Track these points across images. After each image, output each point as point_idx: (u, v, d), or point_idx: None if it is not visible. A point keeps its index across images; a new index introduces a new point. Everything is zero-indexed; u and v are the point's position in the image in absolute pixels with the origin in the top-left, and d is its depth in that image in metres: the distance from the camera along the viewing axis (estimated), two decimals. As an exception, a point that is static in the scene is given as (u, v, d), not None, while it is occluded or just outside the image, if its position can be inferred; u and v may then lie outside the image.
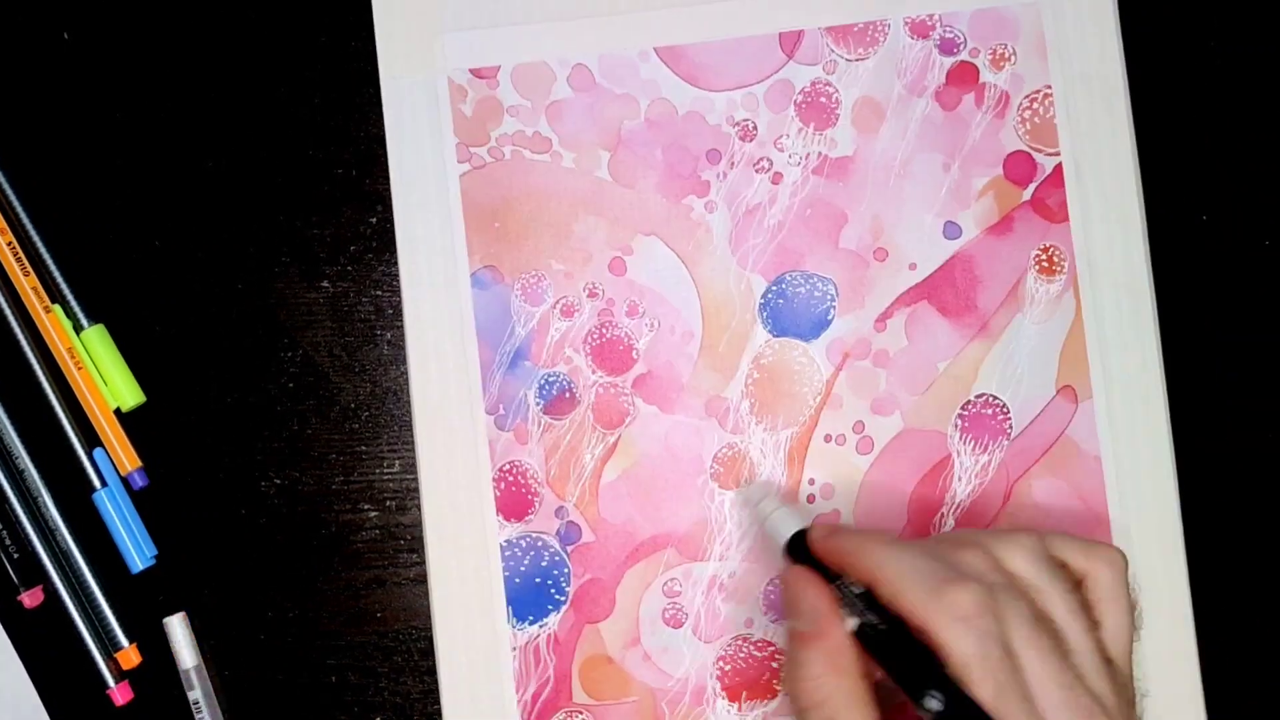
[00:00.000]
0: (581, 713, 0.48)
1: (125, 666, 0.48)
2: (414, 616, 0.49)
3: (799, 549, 0.44)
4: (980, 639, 0.37)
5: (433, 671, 0.49)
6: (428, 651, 0.49)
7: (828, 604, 0.40)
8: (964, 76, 0.50)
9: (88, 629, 0.48)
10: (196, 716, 0.48)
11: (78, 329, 0.49)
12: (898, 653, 0.39)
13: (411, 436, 0.49)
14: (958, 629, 0.37)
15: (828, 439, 0.49)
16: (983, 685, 0.37)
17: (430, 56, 0.49)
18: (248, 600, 0.49)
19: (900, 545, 0.40)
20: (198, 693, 0.48)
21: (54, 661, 0.48)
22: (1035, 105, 0.50)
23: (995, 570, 0.40)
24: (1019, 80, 0.50)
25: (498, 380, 0.49)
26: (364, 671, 0.49)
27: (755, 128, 0.49)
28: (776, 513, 0.45)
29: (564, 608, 0.49)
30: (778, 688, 0.49)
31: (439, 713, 0.49)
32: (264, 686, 0.49)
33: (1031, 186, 0.50)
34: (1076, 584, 0.41)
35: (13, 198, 0.49)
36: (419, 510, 0.49)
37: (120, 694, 0.48)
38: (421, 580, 0.49)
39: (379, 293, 0.50)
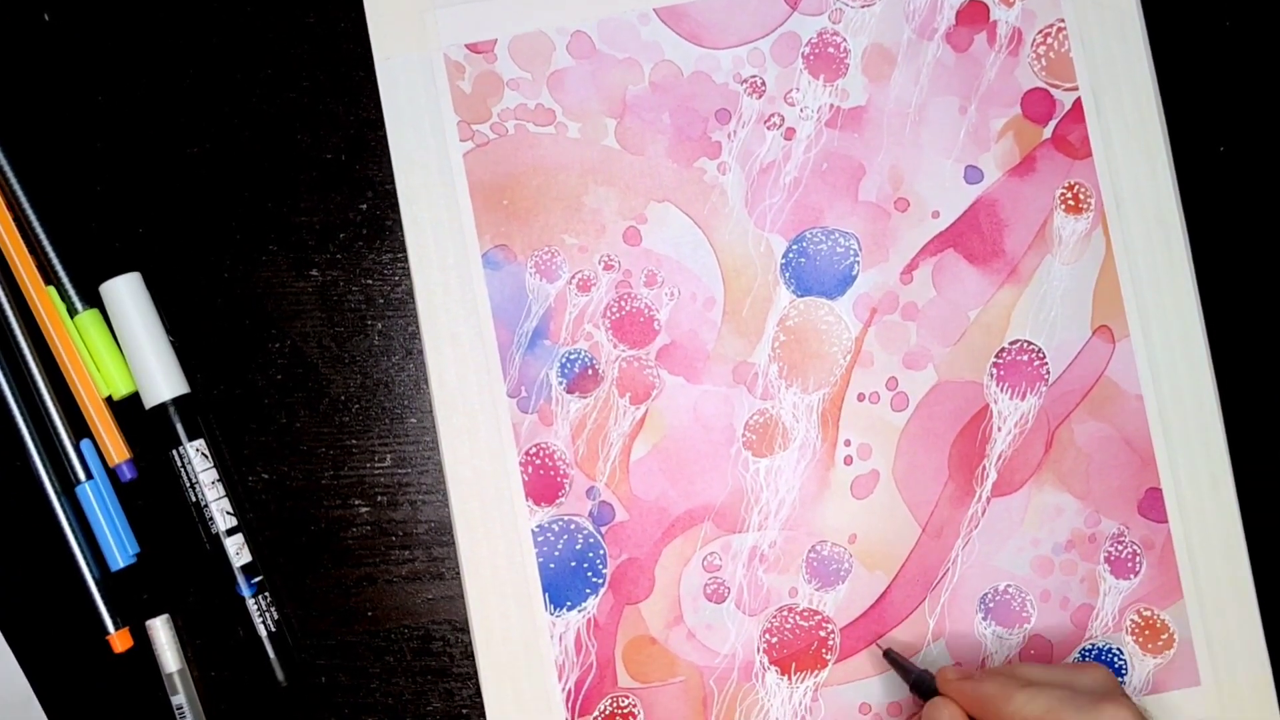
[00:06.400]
0: (628, 697, 0.47)
1: (118, 649, 0.47)
2: (406, 615, 0.48)
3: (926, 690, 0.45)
4: None
5: (425, 671, 0.48)
6: (421, 651, 0.48)
7: None
8: (974, 15, 0.48)
9: (86, 567, 0.46)
10: (179, 723, 0.47)
11: (71, 313, 0.47)
12: None
13: (404, 429, 0.48)
14: None
15: (861, 398, 0.48)
16: None
17: (423, 34, 0.47)
18: (234, 599, 0.47)
19: (1035, 685, 0.42)
20: (181, 698, 0.47)
21: (43, 650, 0.47)
22: (1049, 40, 0.48)
23: (1116, 681, 0.43)
24: (1031, 16, 0.48)
25: (517, 362, 0.47)
26: (355, 672, 0.48)
27: (764, 83, 0.48)
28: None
29: (602, 590, 0.47)
30: (827, 657, 0.47)
31: (433, 713, 0.48)
32: (251, 688, 0.48)
33: (1051, 123, 0.48)
34: None
35: (12, 179, 0.47)
36: (411, 506, 0.48)
37: (120, 640, 0.47)
38: (414, 578, 0.48)
39: (369, 281, 0.48)
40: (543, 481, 0.47)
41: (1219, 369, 0.48)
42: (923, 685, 0.45)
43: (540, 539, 0.47)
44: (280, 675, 0.47)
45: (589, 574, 0.47)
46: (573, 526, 0.47)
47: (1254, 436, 0.49)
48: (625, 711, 0.47)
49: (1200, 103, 0.50)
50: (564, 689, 0.47)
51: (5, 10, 0.48)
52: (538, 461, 0.47)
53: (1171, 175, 0.48)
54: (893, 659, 0.47)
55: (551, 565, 0.47)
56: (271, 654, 0.47)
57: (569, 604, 0.47)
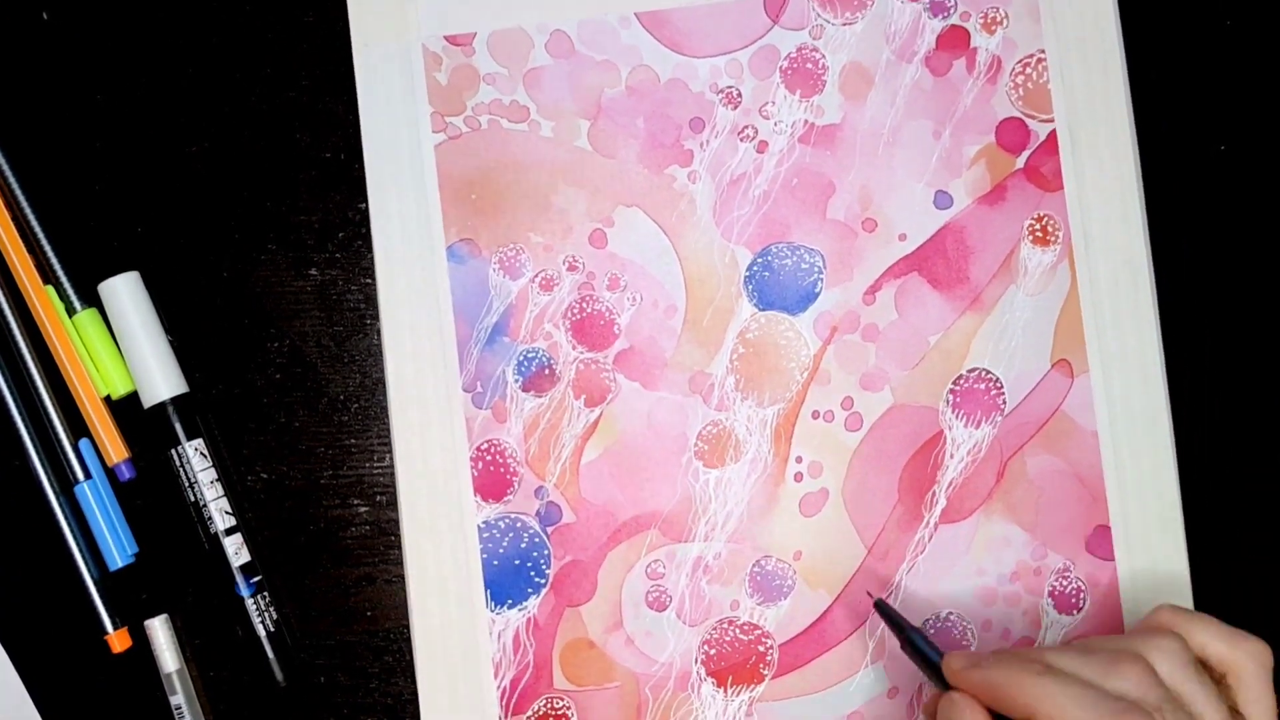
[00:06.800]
0: (562, 699, 0.47)
1: (116, 649, 0.47)
2: (405, 615, 0.48)
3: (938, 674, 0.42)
4: None
5: (425, 671, 0.48)
6: (420, 650, 0.48)
7: None
8: (955, 41, 0.48)
9: (85, 567, 0.46)
10: (179, 723, 0.47)
11: (70, 313, 0.47)
12: None
13: (403, 430, 0.48)
14: None
15: (815, 416, 0.48)
16: None
17: (404, 23, 0.47)
18: (233, 598, 0.47)
19: (1055, 675, 0.38)
20: (180, 698, 0.46)
21: (42, 650, 0.47)
22: (1028, 70, 0.48)
23: (1152, 687, 0.38)
24: (1011, 45, 0.48)
25: (475, 357, 0.47)
26: (354, 672, 0.48)
27: (740, 95, 0.48)
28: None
29: (544, 591, 0.47)
30: (764, 673, 0.47)
31: (432, 713, 0.48)
32: (250, 688, 0.48)
33: (1025, 154, 0.48)
34: (1220, 679, 0.40)
35: (11, 178, 0.47)
36: (408, 503, 0.48)
37: (118, 640, 0.46)
38: (414, 578, 0.48)
39: (368, 280, 0.48)
40: (492, 478, 0.47)
41: (1176, 412, 0.48)
42: (924, 658, 0.42)
43: (486, 535, 0.47)
44: (279, 675, 0.47)
45: (532, 573, 0.47)
46: (519, 525, 0.47)
47: (1207, 482, 0.49)
48: (559, 713, 0.47)
49: (1200, 101, 0.49)
50: (499, 687, 0.47)
51: (4, 10, 0.48)
52: (488, 458, 0.47)
53: (1142, 216, 0.48)
54: (885, 613, 0.44)
55: (495, 562, 0.47)
56: (270, 654, 0.47)
57: (510, 602, 0.47)
